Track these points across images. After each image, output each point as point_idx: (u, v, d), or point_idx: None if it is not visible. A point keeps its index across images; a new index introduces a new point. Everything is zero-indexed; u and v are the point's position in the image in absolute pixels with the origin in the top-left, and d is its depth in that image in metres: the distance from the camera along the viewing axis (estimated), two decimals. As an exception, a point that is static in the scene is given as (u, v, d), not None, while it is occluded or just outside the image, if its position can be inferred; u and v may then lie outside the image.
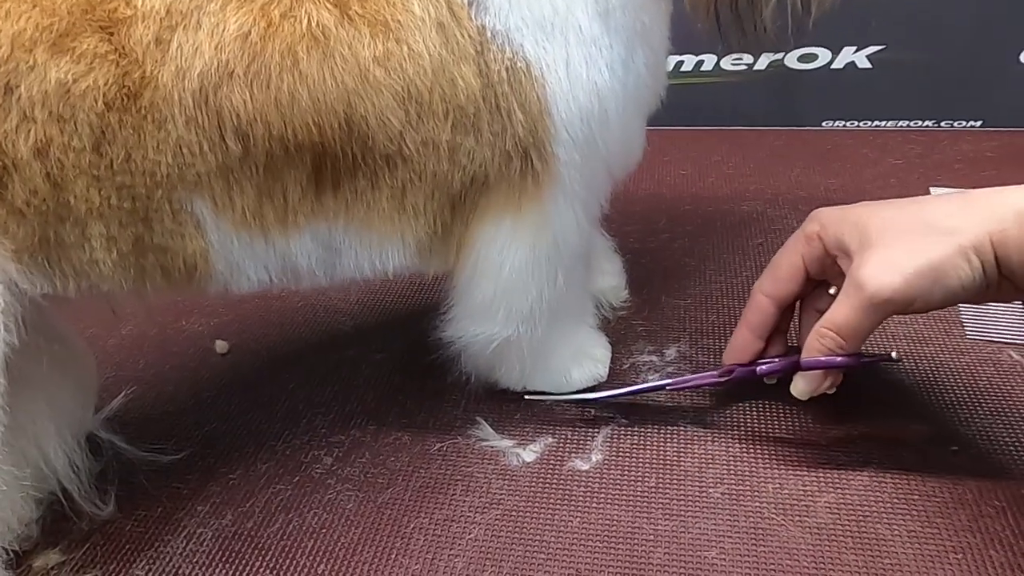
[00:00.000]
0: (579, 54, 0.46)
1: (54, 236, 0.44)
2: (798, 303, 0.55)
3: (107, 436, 0.57)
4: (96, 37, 0.41)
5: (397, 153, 0.46)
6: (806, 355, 0.50)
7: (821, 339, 0.48)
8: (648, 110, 0.55)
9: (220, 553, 0.50)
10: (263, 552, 0.50)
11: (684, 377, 0.55)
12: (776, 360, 0.54)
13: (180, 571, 0.49)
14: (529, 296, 0.52)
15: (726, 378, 0.54)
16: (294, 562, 0.49)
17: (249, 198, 0.46)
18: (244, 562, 0.49)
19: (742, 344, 0.54)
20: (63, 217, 0.44)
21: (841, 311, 0.47)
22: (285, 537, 0.50)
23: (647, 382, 0.58)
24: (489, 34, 0.44)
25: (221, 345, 0.69)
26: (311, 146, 0.44)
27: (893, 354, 0.55)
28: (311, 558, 0.49)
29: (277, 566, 0.49)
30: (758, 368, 0.53)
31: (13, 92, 0.40)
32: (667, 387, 0.55)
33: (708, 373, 0.55)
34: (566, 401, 0.57)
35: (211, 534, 0.51)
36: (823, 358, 0.49)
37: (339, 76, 0.43)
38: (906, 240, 0.45)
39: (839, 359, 0.49)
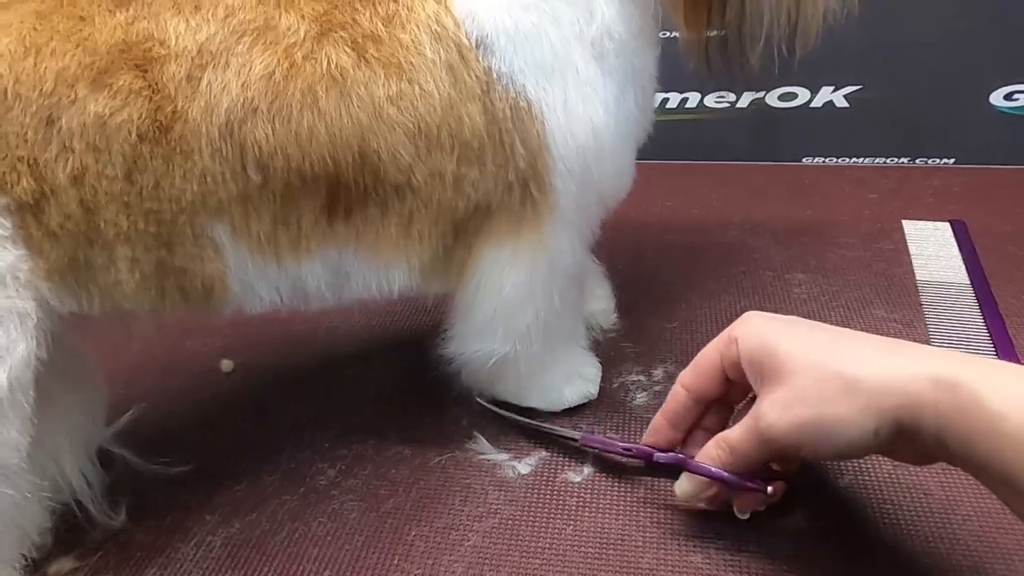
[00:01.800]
0: (576, 94, 0.50)
1: (83, 258, 0.47)
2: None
3: (118, 450, 0.60)
4: (132, 74, 0.44)
5: (406, 184, 0.49)
6: (699, 458, 0.49)
7: (716, 448, 0.48)
8: (638, 144, 0.59)
9: (229, 559, 0.52)
10: (270, 558, 0.52)
11: (597, 437, 0.57)
12: (670, 453, 0.52)
13: (191, 576, 0.51)
14: (526, 316, 0.55)
15: (628, 455, 0.54)
16: (300, 568, 0.51)
17: (265, 224, 0.49)
18: (252, 568, 0.51)
19: (656, 429, 0.53)
20: (93, 240, 0.47)
21: (737, 431, 0.46)
22: (291, 544, 0.53)
23: (581, 426, 0.59)
24: (495, 75, 0.48)
25: (226, 364, 0.71)
26: (326, 177, 0.48)
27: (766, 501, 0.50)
28: (317, 564, 0.51)
29: (284, 571, 0.51)
30: (654, 455, 0.52)
31: (54, 124, 0.44)
32: (579, 440, 0.57)
33: (618, 443, 0.55)
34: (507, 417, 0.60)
35: (220, 541, 0.54)
36: (709, 466, 0.48)
37: (355, 113, 0.47)
38: (811, 388, 0.43)
39: (725, 474, 0.47)
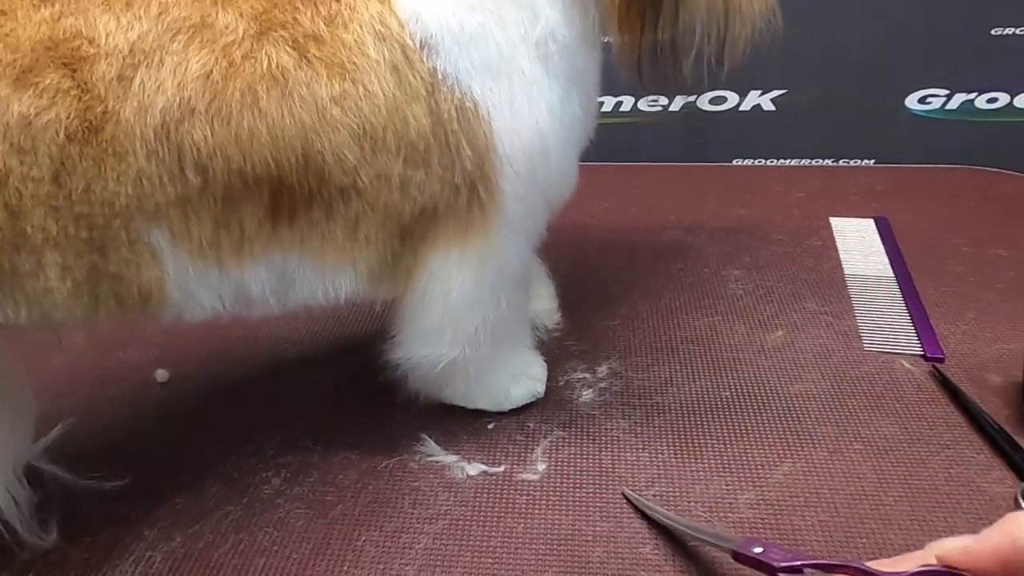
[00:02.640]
0: (522, 95, 0.50)
1: (9, 265, 0.45)
2: None
3: (47, 466, 0.57)
4: (59, 73, 0.43)
5: (351, 186, 0.48)
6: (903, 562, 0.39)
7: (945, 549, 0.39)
8: (582, 147, 0.60)
9: (171, 574, 0.51)
10: (215, 571, 0.51)
11: (757, 547, 0.43)
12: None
13: (131, 594, 0.49)
14: (474, 320, 0.55)
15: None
16: (247, 579, 0.50)
17: (206, 228, 0.48)
18: (196, 582, 0.50)
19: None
20: (19, 246, 0.44)
21: (983, 543, 0.38)
22: (236, 556, 0.52)
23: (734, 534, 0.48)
24: (440, 76, 0.48)
25: (161, 374, 0.69)
26: (269, 180, 0.47)
27: None
28: (263, 575, 0.50)
29: (230, 584, 0.50)
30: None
31: (-26, 124, 0.41)
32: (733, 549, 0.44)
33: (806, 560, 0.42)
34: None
35: (160, 556, 0.52)
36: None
37: (297, 114, 0.46)
38: None
39: None
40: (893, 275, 0.76)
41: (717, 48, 0.53)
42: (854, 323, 0.70)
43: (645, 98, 1.11)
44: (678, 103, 1.10)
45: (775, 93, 1.06)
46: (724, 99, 1.09)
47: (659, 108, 1.11)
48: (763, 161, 1.10)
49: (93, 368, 0.70)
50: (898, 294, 0.73)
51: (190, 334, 0.74)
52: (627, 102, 1.10)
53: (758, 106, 1.08)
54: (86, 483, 0.57)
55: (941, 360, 0.64)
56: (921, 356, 0.65)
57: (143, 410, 0.66)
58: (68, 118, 0.43)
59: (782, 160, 1.10)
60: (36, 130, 0.42)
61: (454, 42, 0.48)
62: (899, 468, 0.54)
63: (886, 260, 0.79)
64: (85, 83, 0.43)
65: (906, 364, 0.64)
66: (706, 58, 0.53)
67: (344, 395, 0.65)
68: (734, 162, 1.11)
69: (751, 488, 0.54)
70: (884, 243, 0.82)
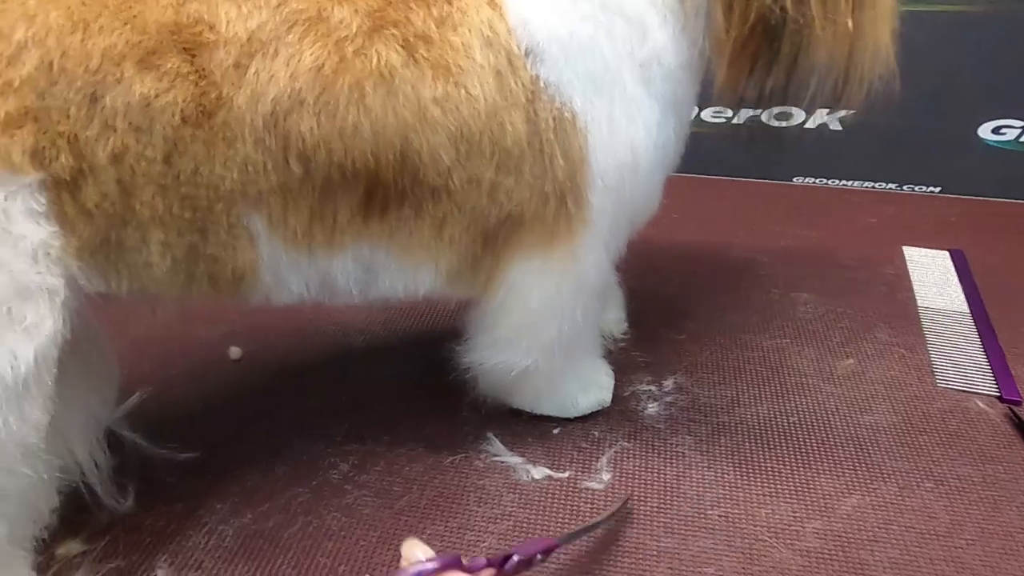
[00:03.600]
0: (621, 111, 0.50)
1: (116, 238, 0.46)
2: None
3: (127, 433, 0.59)
4: (180, 58, 0.44)
5: (443, 187, 0.49)
6: None
7: None
8: (670, 170, 0.59)
9: (242, 550, 0.52)
10: (284, 551, 0.52)
11: None
12: None
13: (203, 565, 0.51)
14: (551, 330, 0.55)
15: None
16: (315, 562, 0.51)
17: (302, 217, 0.49)
18: (266, 559, 0.51)
19: None
20: (127, 221, 0.46)
21: None
22: (305, 538, 0.53)
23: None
24: (542, 84, 0.48)
25: (235, 351, 0.71)
26: (367, 174, 0.48)
27: None
28: (331, 559, 0.51)
29: (299, 564, 0.51)
30: None
31: (98, 102, 0.43)
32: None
33: None
34: None
35: (232, 531, 0.53)
36: None
37: (400, 112, 0.46)
38: None
39: None
40: (969, 311, 0.75)
41: (832, 96, 0.53)
42: (927, 357, 0.69)
43: (709, 109, 1.10)
44: (742, 116, 1.09)
45: (843, 112, 1.04)
46: (790, 115, 1.07)
47: (723, 120, 1.10)
48: (824, 182, 1.09)
49: (169, 341, 0.72)
50: (974, 331, 0.72)
51: (262, 313, 0.75)
52: (689, 112, 1.10)
53: (824, 124, 1.06)
54: (162, 452, 0.58)
55: (1018, 403, 0.63)
56: (997, 397, 0.63)
57: (216, 385, 0.67)
58: (184, 101, 0.44)
59: (844, 182, 1.08)
60: (154, 111, 0.44)
61: (561, 51, 0.48)
62: (972, 510, 0.53)
63: (962, 295, 0.77)
64: (203, 68, 0.44)
65: (981, 404, 0.63)
66: (818, 102, 0.53)
67: (410, 389, 0.66)
68: (795, 180, 1.09)
69: (818, 517, 0.53)
70: (960, 277, 0.80)
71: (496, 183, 0.50)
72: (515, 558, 0.43)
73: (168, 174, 0.45)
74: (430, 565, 0.39)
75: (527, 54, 0.48)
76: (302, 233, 0.49)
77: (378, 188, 0.49)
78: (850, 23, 0.51)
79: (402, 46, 0.46)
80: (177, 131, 0.44)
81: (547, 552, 0.45)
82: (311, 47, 0.45)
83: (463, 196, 0.50)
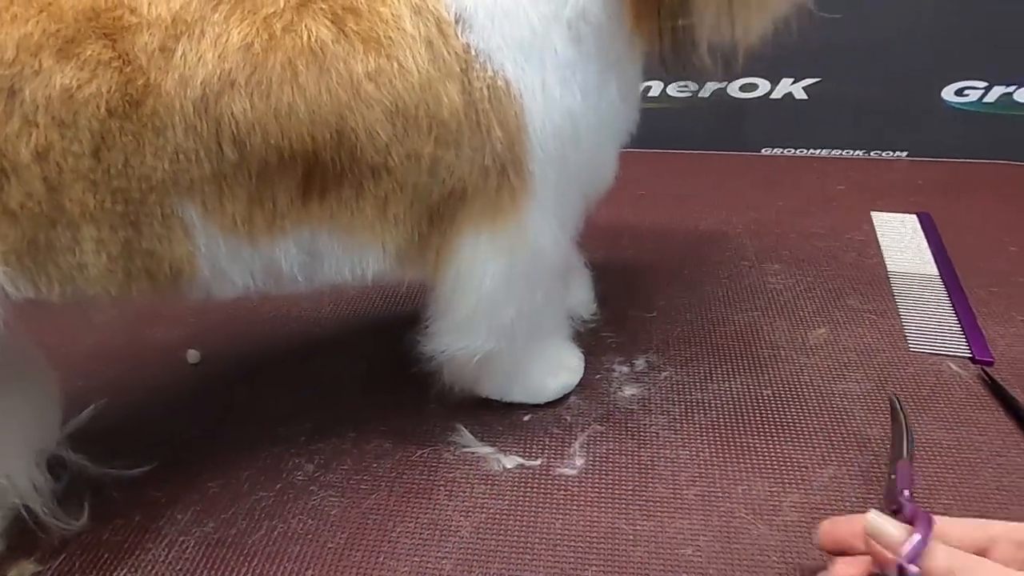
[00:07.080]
0: (554, 76, 0.48)
1: (44, 239, 0.44)
2: None
3: (73, 456, 0.56)
4: (100, 44, 0.41)
5: (382, 164, 0.47)
6: None
7: None
8: (621, 138, 0.57)
9: (204, 560, 0.50)
10: (249, 558, 0.50)
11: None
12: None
13: (163, 579, 0.49)
14: (509, 311, 0.54)
15: None
16: (281, 567, 0.49)
17: (240, 204, 0.46)
18: (230, 568, 0.49)
19: None
20: (55, 220, 0.43)
21: None
22: (271, 543, 0.51)
23: None
24: (473, 52, 0.46)
25: (192, 355, 0.68)
26: (304, 155, 0.45)
27: None
28: (298, 563, 0.49)
29: (264, 572, 0.49)
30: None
31: (17, 96, 0.40)
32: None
33: None
34: None
35: (194, 542, 0.51)
36: None
37: (334, 90, 0.44)
38: None
39: None
40: (938, 273, 0.74)
41: (728, 37, 0.51)
42: (898, 322, 0.68)
43: (674, 83, 1.08)
44: (708, 89, 1.08)
45: (808, 81, 1.03)
46: (755, 86, 1.06)
47: (688, 94, 1.09)
48: (793, 151, 1.08)
49: (124, 348, 0.69)
50: (944, 293, 0.71)
51: (220, 313, 0.73)
52: (656, 87, 1.08)
53: (790, 94, 1.05)
54: (115, 469, 0.56)
55: (990, 364, 0.62)
56: (969, 359, 0.63)
57: (173, 391, 0.65)
58: (109, 91, 0.41)
59: (812, 151, 1.07)
60: (78, 104, 0.41)
61: (488, 17, 0.46)
62: (949, 475, 0.53)
63: (931, 258, 0.77)
64: (127, 54, 0.42)
65: (954, 367, 0.62)
66: (719, 46, 0.51)
67: (376, 382, 0.64)
68: (763, 151, 1.08)
69: (795, 490, 0.52)
70: (928, 240, 0.79)
71: (436, 157, 0.48)
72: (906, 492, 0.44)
73: (97, 168, 0.43)
74: (917, 536, 0.38)
75: (457, 21, 0.46)
76: (241, 221, 0.47)
77: (317, 169, 0.46)
78: None
79: (331, 20, 0.44)
80: (104, 123, 0.42)
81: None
82: (239, 25, 0.43)
83: (403, 173, 0.48)
